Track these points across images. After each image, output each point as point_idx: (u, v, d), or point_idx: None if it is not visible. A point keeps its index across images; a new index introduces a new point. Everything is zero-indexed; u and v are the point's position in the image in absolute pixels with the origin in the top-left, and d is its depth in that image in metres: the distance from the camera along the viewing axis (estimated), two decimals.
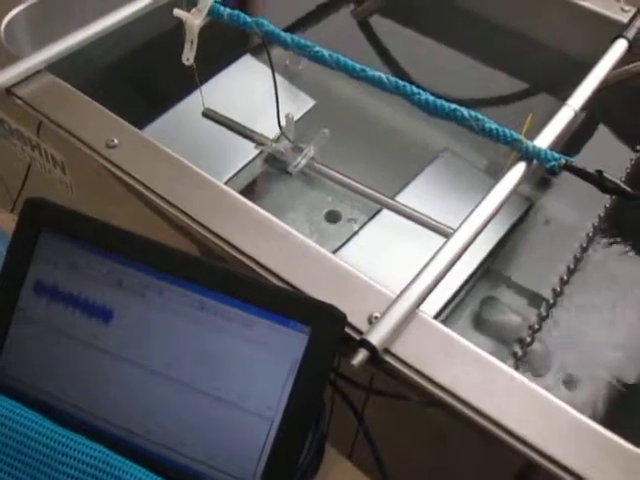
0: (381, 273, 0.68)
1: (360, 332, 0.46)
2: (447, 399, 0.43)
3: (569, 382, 0.66)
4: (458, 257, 0.52)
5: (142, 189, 0.54)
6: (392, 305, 0.47)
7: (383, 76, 0.60)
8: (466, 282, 0.70)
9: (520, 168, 0.59)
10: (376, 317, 0.46)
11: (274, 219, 0.53)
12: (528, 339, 0.69)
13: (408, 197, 0.76)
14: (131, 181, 0.54)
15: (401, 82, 0.60)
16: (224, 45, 0.85)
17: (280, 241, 0.51)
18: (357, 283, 0.49)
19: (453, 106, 0.59)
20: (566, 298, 0.72)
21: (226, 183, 0.75)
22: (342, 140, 0.82)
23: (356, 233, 0.74)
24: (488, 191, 0.57)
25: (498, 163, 0.77)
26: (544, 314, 0.71)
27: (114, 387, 0.43)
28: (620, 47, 0.71)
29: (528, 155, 0.59)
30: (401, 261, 0.68)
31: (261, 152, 0.78)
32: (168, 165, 0.56)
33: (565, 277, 0.73)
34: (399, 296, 0.47)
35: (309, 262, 0.50)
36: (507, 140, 0.59)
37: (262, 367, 0.41)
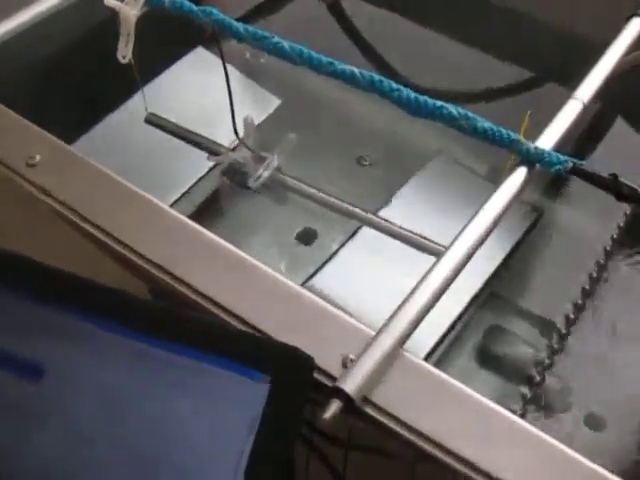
0: (362, 304, 0.69)
1: (333, 378, 0.45)
2: (438, 454, 0.43)
3: (593, 422, 0.67)
4: (451, 280, 0.52)
5: (71, 215, 0.54)
6: (370, 345, 0.47)
7: (355, 71, 0.61)
8: (465, 310, 0.70)
9: (521, 174, 0.59)
10: (352, 360, 0.46)
11: (230, 247, 0.53)
12: (541, 373, 0.69)
13: (394, 211, 0.77)
14: (57, 206, 0.54)
15: (377, 77, 0.60)
16: (171, 37, 0.85)
17: (237, 272, 0.51)
18: (329, 319, 0.49)
19: (438, 103, 0.60)
20: (584, 323, 0.72)
21: (174, 204, 0.77)
22: (313, 146, 0.83)
23: (335, 254, 0.75)
24: (485, 201, 0.57)
25: (501, 169, 0.78)
26: (559, 344, 0.71)
27: (38, 458, 0.42)
28: (635, 27, 0.72)
29: (529, 158, 0.59)
30: (385, 288, 0.67)
31: (216, 164, 0.78)
32: (102, 185, 0.56)
33: (580, 301, 0.73)
34: (379, 333, 0.48)
35: (271, 296, 0.50)
36: (504, 141, 0.59)
37: (215, 426, 0.41)
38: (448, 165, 0.83)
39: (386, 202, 0.79)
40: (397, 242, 0.70)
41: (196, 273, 0.51)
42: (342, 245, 0.76)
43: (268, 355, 0.42)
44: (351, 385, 0.44)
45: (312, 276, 0.73)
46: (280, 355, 0.42)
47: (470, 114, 0.59)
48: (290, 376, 0.42)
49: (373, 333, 0.48)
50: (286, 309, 0.49)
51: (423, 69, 0.88)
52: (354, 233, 0.76)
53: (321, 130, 0.87)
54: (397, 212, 0.77)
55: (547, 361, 0.70)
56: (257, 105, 0.86)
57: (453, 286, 0.52)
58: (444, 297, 0.51)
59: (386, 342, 0.47)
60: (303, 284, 0.72)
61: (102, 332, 0.44)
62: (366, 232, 0.75)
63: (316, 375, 0.45)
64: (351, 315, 0.49)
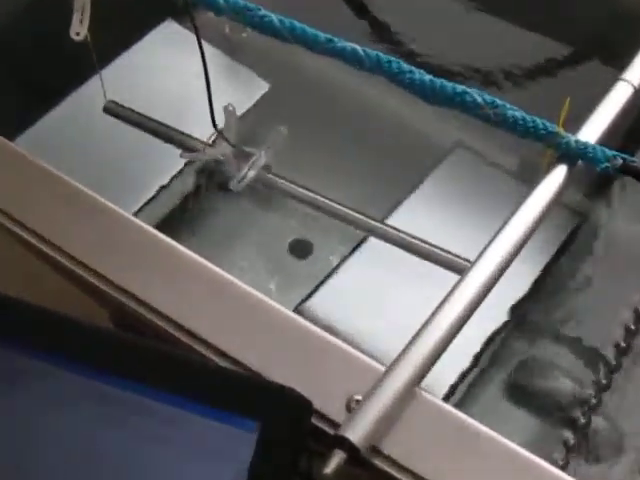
0: (369, 332, 0.69)
1: (335, 424, 0.45)
2: None
3: None
4: (477, 303, 0.52)
5: (10, 224, 0.54)
6: (380, 383, 0.47)
7: (358, 49, 0.61)
8: (494, 338, 0.71)
9: (560, 173, 0.60)
10: (357, 401, 0.46)
11: (208, 264, 0.53)
12: (587, 414, 0.69)
13: (406, 218, 0.77)
14: None
15: (384, 57, 0.60)
16: (135, 9, 0.86)
17: (217, 295, 0.51)
18: (329, 353, 0.49)
19: (459, 88, 0.60)
20: (639, 354, 0.73)
21: (139, 212, 0.77)
22: (308, 141, 0.82)
23: (335, 271, 0.75)
24: (518, 205, 0.58)
25: (535, 164, 0.78)
26: (608, 378, 0.71)
27: None
28: None
29: (570, 154, 0.60)
30: (397, 313, 0.69)
31: (191, 162, 0.79)
32: (49, 189, 0.56)
33: (633, 326, 0.73)
34: (390, 369, 0.48)
35: (259, 324, 0.50)
36: (539, 134, 0.59)
37: None
38: (471, 161, 0.83)
39: (396, 206, 0.79)
40: (411, 256, 0.70)
41: (167, 297, 0.51)
42: (343, 260, 0.76)
43: (256, 398, 0.42)
44: (357, 433, 0.44)
45: (307, 298, 0.73)
46: (271, 397, 0.42)
47: (498, 101, 0.59)
48: (283, 423, 0.42)
49: (383, 369, 0.48)
50: (277, 340, 0.49)
51: (440, 46, 0.88)
52: (358, 245, 0.76)
53: (318, 121, 0.87)
54: (410, 219, 0.77)
55: (594, 399, 0.70)
56: (240, 90, 0.85)
57: (480, 309, 0.52)
58: (469, 322, 0.51)
59: (398, 380, 0.47)
60: (297, 308, 0.72)
61: (56, 371, 0.44)
62: (372, 244, 0.75)
63: (314, 421, 0.45)
64: (356, 347, 0.49)
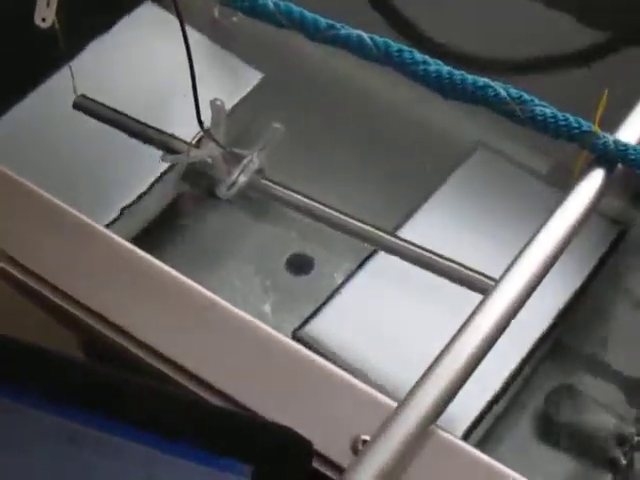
0: (378, 362, 0.69)
1: (339, 469, 0.45)
2: None
3: None
4: (503, 327, 0.52)
5: None
6: (391, 421, 0.46)
7: (364, 37, 0.61)
8: (522, 366, 0.71)
9: (597, 177, 0.60)
10: (365, 442, 0.46)
11: (194, 284, 0.53)
12: (629, 453, 0.69)
13: (419, 229, 0.77)
14: None
15: (394, 45, 0.60)
16: None
17: (204, 320, 0.51)
18: (333, 386, 0.49)
19: (481, 81, 0.60)
20: None
21: (113, 223, 0.77)
22: (308, 140, 0.83)
23: (338, 290, 0.75)
24: (549, 214, 0.58)
25: (568, 167, 0.79)
26: None
27: None
28: None
29: (608, 156, 0.60)
30: (409, 340, 0.69)
31: (173, 165, 0.79)
32: (12, 196, 0.56)
33: None
34: (402, 405, 0.47)
35: (252, 353, 0.50)
36: (572, 133, 0.59)
37: None
38: (495, 164, 0.84)
39: (409, 216, 0.79)
40: (426, 273, 0.70)
41: (145, 321, 0.51)
42: (348, 277, 0.76)
43: (249, 438, 0.42)
44: (364, 477, 0.44)
45: (307, 321, 0.73)
46: (265, 438, 0.42)
47: (525, 95, 0.59)
48: (280, 467, 0.42)
49: (394, 405, 0.48)
50: (272, 372, 0.49)
51: (459, 32, 0.88)
52: (365, 260, 0.76)
53: (319, 118, 0.88)
54: (425, 230, 0.77)
55: (636, 437, 0.70)
56: (230, 83, 0.86)
57: (506, 333, 0.52)
58: (494, 348, 0.51)
59: (412, 417, 0.46)
60: (295, 333, 0.73)
61: (18, 407, 0.44)
62: (382, 259, 0.75)
63: (316, 465, 0.45)
64: (363, 379, 0.49)
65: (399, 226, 0.78)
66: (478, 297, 0.54)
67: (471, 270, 0.69)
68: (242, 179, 0.73)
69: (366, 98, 0.89)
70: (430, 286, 0.70)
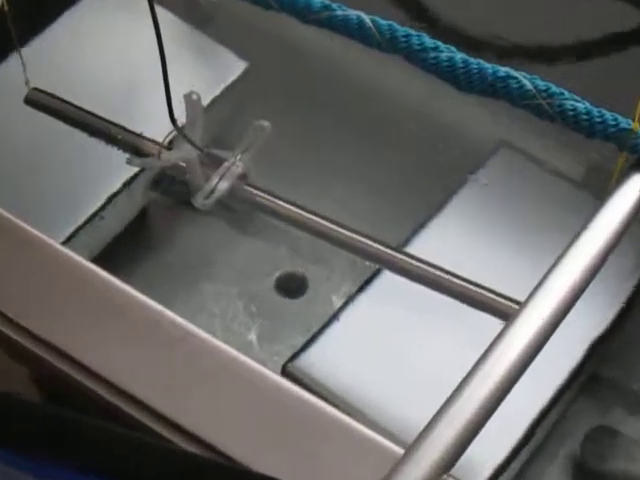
0: (382, 401, 0.68)
1: None
2: None
3: None
4: (529, 358, 0.52)
5: None
6: (397, 471, 0.46)
7: (365, 19, 0.61)
8: (552, 404, 0.70)
9: (637, 181, 0.60)
10: None
11: (166, 312, 0.53)
12: None
13: (431, 244, 0.77)
14: None
15: (401, 30, 0.61)
16: None
17: (179, 353, 0.51)
18: (331, 430, 0.49)
19: (502, 71, 0.60)
20: None
21: (71, 239, 0.76)
22: (300, 139, 0.84)
23: (336, 316, 0.75)
24: (584, 225, 0.58)
25: (604, 170, 0.79)
26: None
27: None
28: None
29: None
30: (419, 373, 0.69)
31: (142, 170, 0.78)
32: None
33: None
34: (411, 451, 0.47)
35: (237, 392, 0.50)
36: (609, 132, 0.59)
37: None
38: (520, 166, 0.84)
39: (420, 228, 0.79)
40: (439, 296, 0.70)
41: (109, 355, 0.51)
42: (348, 301, 0.76)
43: None
44: None
45: (300, 353, 0.73)
46: None
47: (554, 88, 0.60)
48: None
49: (401, 452, 0.47)
50: (259, 414, 0.49)
51: (477, 12, 0.88)
52: (367, 281, 0.76)
53: (313, 114, 0.88)
54: (437, 245, 0.77)
55: None
56: (208, 73, 0.86)
57: (534, 365, 0.52)
58: (519, 382, 0.51)
59: (421, 467, 0.46)
60: (286, 367, 0.72)
61: None
62: (387, 280, 0.75)
63: None
64: (366, 421, 0.49)
65: (407, 240, 0.78)
66: (500, 324, 0.54)
67: (492, 292, 0.68)
68: (222, 186, 0.72)
69: (368, 91, 0.90)
70: (443, 311, 0.70)
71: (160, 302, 0.54)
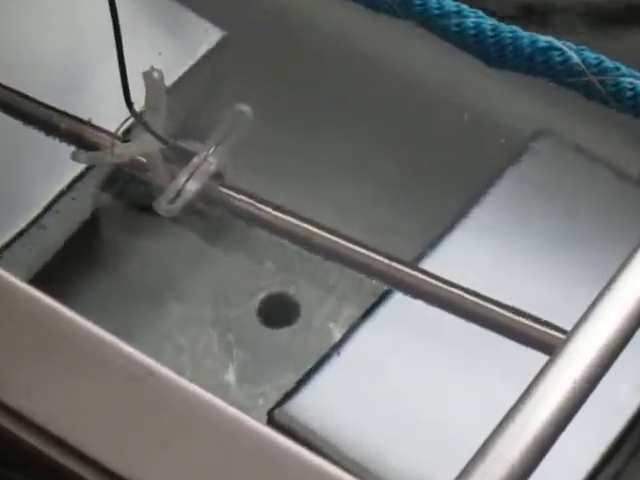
0: (387, 455, 0.68)
1: None
2: None
3: None
4: (578, 404, 0.52)
5: None
6: None
7: None
8: (604, 462, 0.71)
9: None
10: None
11: (117, 342, 0.53)
12: None
13: (453, 258, 0.78)
14: None
15: None
16: None
17: (131, 392, 0.51)
18: None
19: (543, 41, 0.60)
20: None
21: (4, 252, 0.76)
22: (290, 128, 0.84)
23: (336, 349, 0.76)
24: None
25: None
26: None
27: None
28: None
29: None
30: (437, 422, 0.69)
31: (91, 167, 0.79)
32: None
33: None
34: None
35: (203, 443, 0.50)
36: None
37: None
38: (563, 157, 0.85)
39: (441, 237, 0.80)
40: (462, 323, 0.70)
41: (52, 401, 0.51)
42: (350, 330, 0.77)
43: None
44: None
45: (289, 396, 0.73)
46: None
47: (608, 62, 0.60)
48: None
49: None
50: (238, 473, 0.49)
51: None
52: (374, 306, 0.77)
53: (304, 96, 0.89)
54: (462, 258, 0.78)
55: None
56: (175, 44, 0.87)
57: (581, 415, 0.52)
58: (562, 438, 0.51)
59: None
60: (272, 413, 0.73)
61: None
62: (398, 304, 0.75)
63: None
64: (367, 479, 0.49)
65: (424, 254, 0.79)
66: (541, 358, 0.54)
67: (531, 318, 0.68)
68: (192, 187, 0.72)
69: (373, 66, 0.90)
70: (469, 343, 0.71)
71: (114, 332, 0.54)
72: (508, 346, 0.68)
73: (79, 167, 0.79)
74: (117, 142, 0.74)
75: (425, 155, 0.88)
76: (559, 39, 0.61)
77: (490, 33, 0.61)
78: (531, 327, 0.68)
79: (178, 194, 0.72)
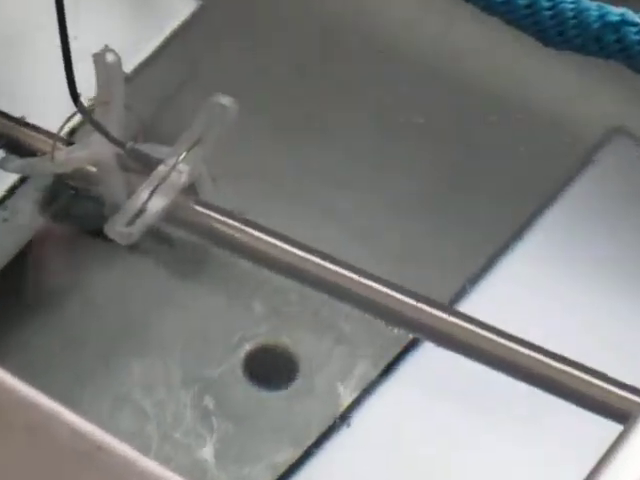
0: None
1: None
2: None
3: None
4: None
5: None
6: None
7: None
8: None
9: None
10: None
11: (55, 406, 0.53)
12: None
13: (499, 297, 0.79)
14: None
15: None
16: None
17: (79, 472, 0.52)
18: None
19: (615, 14, 0.61)
20: None
21: None
22: (283, 125, 0.85)
23: (344, 420, 0.77)
24: None
25: None
26: None
27: None
28: None
29: None
30: None
31: (26, 179, 0.80)
32: None
33: None
34: None
35: None
36: None
37: None
38: None
39: (484, 271, 0.81)
40: (509, 382, 0.71)
41: None
42: (364, 391, 0.78)
43: None
44: None
45: (286, 478, 0.74)
46: None
47: None
48: None
49: None
50: None
51: None
52: (397, 360, 0.78)
53: (301, 78, 0.90)
54: (516, 295, 0.79)
55: None
56: (139, 19, 0.89)
57: None
58: None
59: None
60: None
61: None
62: (427, 357, 0.77)
63: None
64: None
65: (463, 293, 0.79)
66: (612, 429, 0.54)
67: (599, 377, 0.69)
68: (156, 204, 0.73)
69: (390, 43, 0.91)
70: (517, 407, 0.71)
71: (55, 396, 0.55)
72: (569, 412, 0.68)
73: (10, 178, 0.80)
74: (59, 145, 0.75)
75: (465, 160, 0.89)
76: (636, 11, 0.61)
77: (546, 4, 0.61)
78: (599, 388, 0.69)
79: (138, 214, 0.72)
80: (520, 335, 0.71)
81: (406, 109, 0.90)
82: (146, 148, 0.75)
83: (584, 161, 0.86)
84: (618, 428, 0.54)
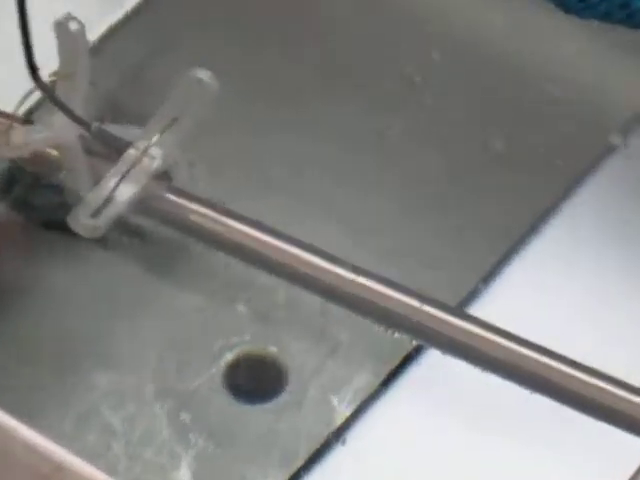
0: None
1: None
2: None
3: None
4: None
5: None
6: None
7: None
8: None
9: None
10: None
11: (14, 424, 0.54)
12: None
13: (517, 295, 0.79)
14: None
15: None
16: None
17: None
18: None
19: None
20: None
21: None
22: (265, 104, 0.86)
23: (338, 437, 0.77)
24: None
25: None
26: None
27: None
28: None
29: None
30: None
31: None
32: None
33: None
34: None
35: None
36: None
37: None
38: None
39: (502, 264, 0.81)
40: (525, 397, 0.71)
41: None
42: (362, 405, 0.78)
43: None
44: None
45: None
46: None
47: None
48: None
49: None
50: None
51: None
52: (399, 369, 0.78)
53: (288, 57, 0.90)
54: (532, 297, 0.80)
55: None
56: None
57: None
58: None
59: None
60: None
61: None
62: (433, 366, 0.77)
63: None
64: None
65: (475, 295, 0.80)
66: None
67: (628, 389, 0.70)
68: (126, 193, 0.73)
69: (398, 18, 0.92)
70: (537, 428, 0.72)
71: (10, 411, 0.55)
72: (593, 427, 0.69)
73: None
74: (15, 126, 0.76)
75: (478, 148, 0.89)
76: None
77: None
78: (629, 402, 0.70)
79: (105, 203, 0.73)
80: (540, 342, 0.72)
81: (406, 94, 0.91)
82: (114, 129, 0.75)
83: (596, 158, 0.87)
84: None
